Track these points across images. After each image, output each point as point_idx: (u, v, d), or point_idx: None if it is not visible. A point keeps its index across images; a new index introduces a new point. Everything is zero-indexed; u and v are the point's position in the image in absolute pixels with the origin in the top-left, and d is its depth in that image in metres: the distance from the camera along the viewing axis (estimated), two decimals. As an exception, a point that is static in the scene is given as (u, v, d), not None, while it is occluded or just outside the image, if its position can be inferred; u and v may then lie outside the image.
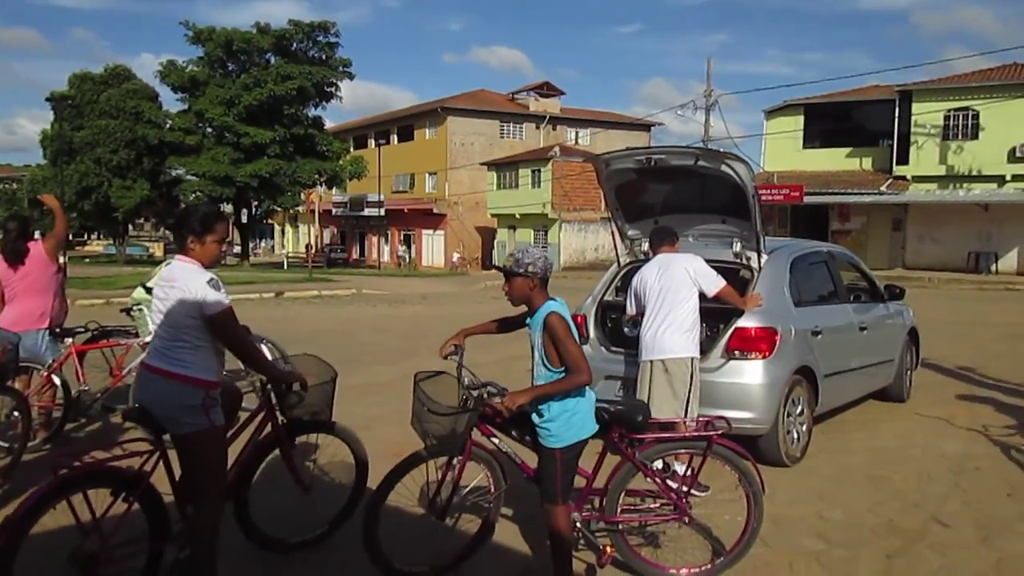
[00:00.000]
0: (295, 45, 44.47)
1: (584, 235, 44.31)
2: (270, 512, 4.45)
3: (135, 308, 7.74)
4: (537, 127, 52.93)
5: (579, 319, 6.84)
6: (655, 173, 6.48)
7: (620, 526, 4.09)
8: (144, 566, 3.66)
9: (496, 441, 4.09)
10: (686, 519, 4.18)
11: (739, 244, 6.56)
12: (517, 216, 45.10)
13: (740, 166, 6.05)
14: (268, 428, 4.34)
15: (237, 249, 49.84)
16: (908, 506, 5.35)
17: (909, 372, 8.59)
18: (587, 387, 3.81)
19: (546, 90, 54.66)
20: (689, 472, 4.23)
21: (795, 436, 6.37)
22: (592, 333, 6.79)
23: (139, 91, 45.87)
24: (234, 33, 43.45)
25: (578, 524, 3.97)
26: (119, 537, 3.50)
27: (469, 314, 18.65)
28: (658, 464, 4.53)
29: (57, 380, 6.59)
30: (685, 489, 4.20)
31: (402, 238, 54.97)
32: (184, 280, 3.57)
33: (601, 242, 44.18)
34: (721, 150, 6.66)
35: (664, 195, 6.87)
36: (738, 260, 6.59)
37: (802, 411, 6.43)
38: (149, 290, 7.85)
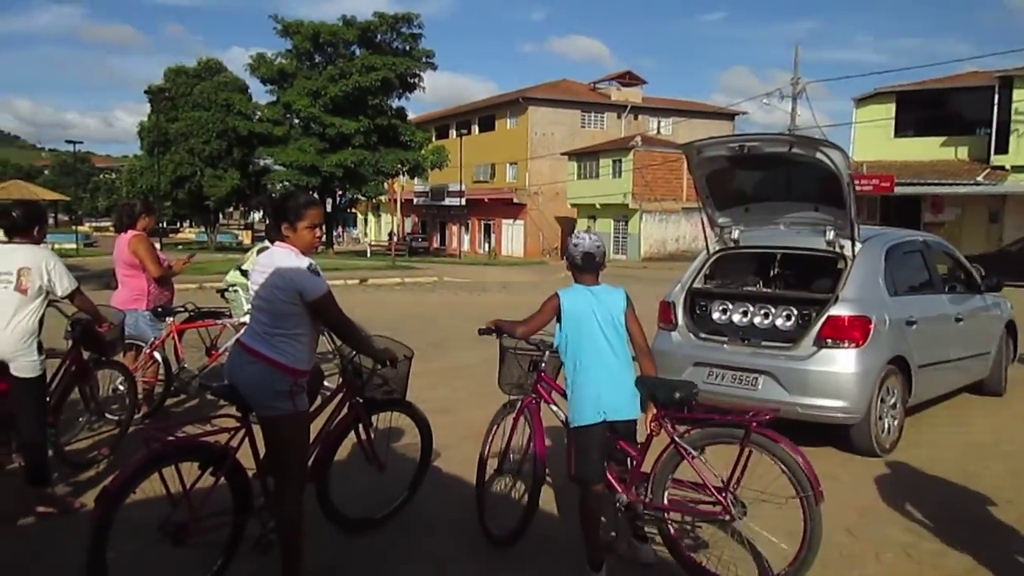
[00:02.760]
0: (379, 37, 45.12)
1: (665, 225, 43.84)
2: (346, 492, 4.56)
3: (230, 289, 8.04)
4: (618, 117, 52.53)
5: (662, 304, 7.01)
6: (747, 161, 6.44)
7: (667, 516, 3.95)
8: (228, 538, 3.80)
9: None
10: (728, 519, 3.80)
11: (832, 232, 6.47)
12: (597, 206, 44.89)
13: (835, 153, 5.98)
14: (346, 408, 4.46)
15: (323, 237, 50.90)
16: (1002, 502, 5.18)
17: (1006, 366, 8.31)
18: (587, 375, 3.92)
19: (628, 79, 54.20)
20: (735, 465, 3.80)
21: (887, 427, 6.28)
22: (680, 320, 6.81)
23: (230, 83, 47.37)
24: (321, 26, 44.37)
25: (619, 505, 4.00)
26: (206, 509, 3.63)
27: (549, 303, 18.71)
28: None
29: (159, 357, 6.92)
30: (725, 484, 3.79)
31: (482, 228, 55.36)
32: (283, 267, 3.62)
33: (682, 232, 43.65)
34: (816, 138, 6.56)
35: (755, 183, 6.83)
36: (831, 248, 6.52)
37: (895, 402, 6.34)
38: (244, 272, 8.17)
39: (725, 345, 6.50)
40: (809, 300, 6.44)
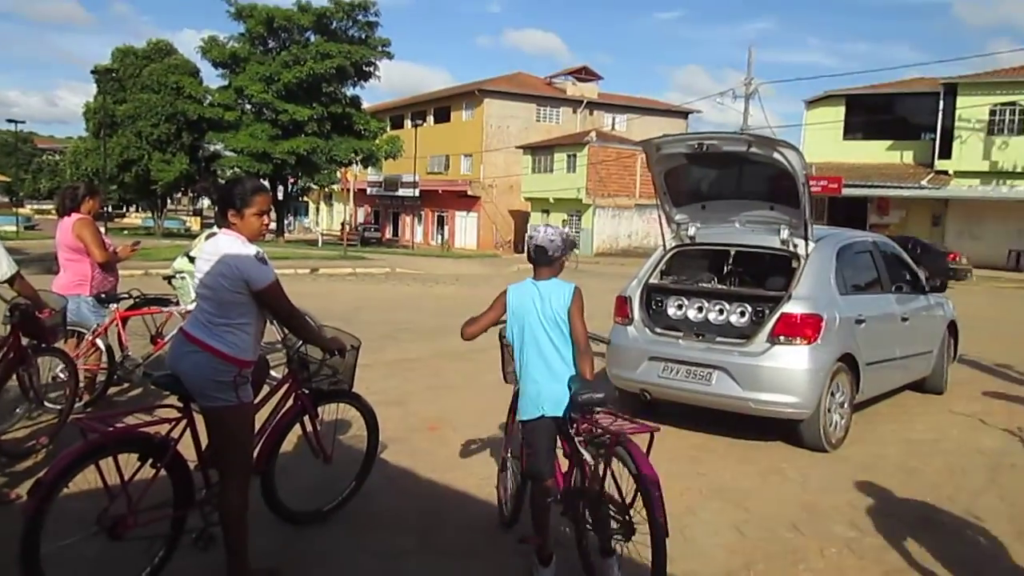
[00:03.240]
0: (335, 24, 44.58)
1: (618, 221, 44.16)
2: (291, 484, 4.50)
3: (177, 276, 7.88)
4: (574, 112, 52.73)
5: (619, 299, 7.06)
6: (705, 159, 6.55)
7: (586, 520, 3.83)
8: (168, 532, 3.70)
9: None
10: (622, 539, 3.69)
11: (786, 231, 6.59)
12: (551, 200, 45.03)
13: (792, 154, 6.10)
14: (292, 399, 4.39)
15: (272, 225, 50.28)
16: (942, 498, 5.32)
17: (947, 365, 8.54)
18: (527, 371, 3.88)
19: (584, 74, 54.39)
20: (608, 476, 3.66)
21: (835, 423, 6.43)
22: (637, 315, 6.88)
23: (180, 66, 46.27)
24: (275, 10, 43.67)
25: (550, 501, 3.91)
26: (146, 502, 3.52)
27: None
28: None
29: (102, 344, 6.74)
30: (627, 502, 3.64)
31: (436, 219, 55.16)
32: (229, 254, 3.53)
33: (635, 228, 44.01)
34: (773, 138, 6.71)
35: (712, 181, 6.96)
36: (784, 247, 6.63)
37: (843, 399, 6.49)
38: (192, 259, 8.01)
39: (680, 340, 6.58)
40: (763, 297, 6.58)
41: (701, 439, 6.57)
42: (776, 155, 6.09)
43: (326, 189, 53.88)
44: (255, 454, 4.00)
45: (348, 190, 56.99)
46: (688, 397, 6.50)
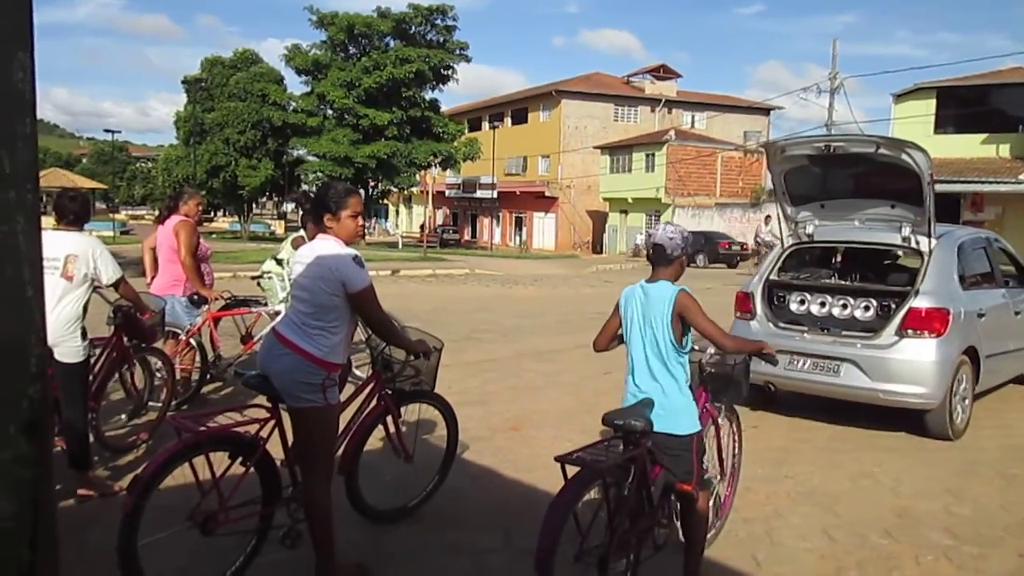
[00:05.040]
0: (413, 29, 45.16)
1: (698, 221, 43.45)
2: (373, 483, 4.54)
3: (265, 277, 8.11)
4: (652, 110, 52.19)
5: (740, 295, 7.40)
6: (827, 159, 6.82)
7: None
8: (256, 527, 3.79)
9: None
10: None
11: (908, 228, 6.86)
12: (629, 200, 44.66)
13: (919, 154, 6.37)
14: (375, 400, 4.44)
15: (365, 226, 51.11)
16: (1046, 506, 5.09)
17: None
18: (627, 375, 3.78)
19: (662, 73, 53.79)
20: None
21: (959, 413, 6.63)
22: (759, 309, 7.18)
23: (265, 74, 47.67)
24: (356, 17, 44.49)
25: None
26: (235, 499, 3.62)
27: (580, 297, 18.68)
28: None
29: (195, 344, 6.98)
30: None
31: (513, 220, 55.33)
32: (327, 257, 3.59)
33: (715, 228, 43.29)
34: (901, 139, 6.92)
35: (832, 180, 7.22)
36: (906, 244, 6.93)
37: (966, 389, 6.71)
38: (279, 262, 8.24)
39: (805, 334, 6.87)
40: (887, 292, 6.94)
41: (785, 441, 6.45)
42: (904, 156, 6.35)
43: (405, 192, 54.60)
44: (340, 454, 4.08)
45: (427, 192, 57.66)
46: (815, 388, 6.77)
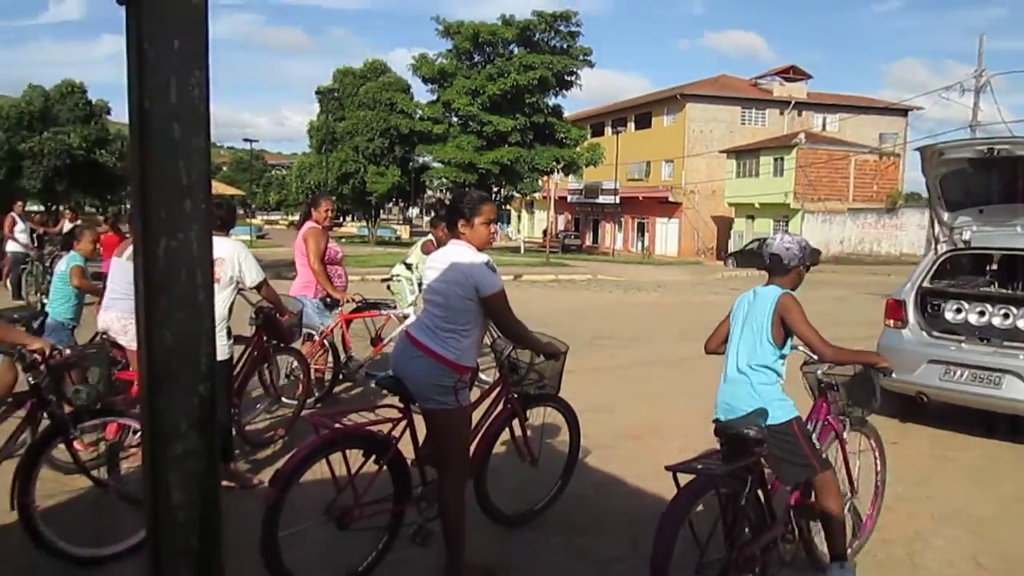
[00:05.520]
0: (537, 35, 45.38)
1: (829, 227, 41.95)
2: (499, 486, 4.58)
3: (395, 279, 8.37)
4: (781, 113, 50.67)
5: (891, 302, 7.17)
6: (988, 163, 6.56)
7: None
8: (388, 524, 3.90)
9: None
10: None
11: None
12: (756, 205, 43.52)
13: None
14: (502, 404, 4.48)
15: (497, 233, 51.93)
16: None
17: None
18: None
19: (792, 74, 52.16)
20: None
21: None
22: (912, 318, 6.96)
23: (393, 83, 49.03)
24: (481, 26, 45.13)
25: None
26: (369, 495, 3.74)
27: (706, 304, 18.30)
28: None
29: (328, 345, 7.25)
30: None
31: (636, 226, 54.86)
32: (461, 262, 3.68)
33: (847, 234, 41.68)
34: None
35: (993, 185, 6.95)
36: None
37: None
38: (408, 266, 8.47)
39: (962, 344, 6.60)
40: None
41: (928, 459, 6.14)
42: None
43: (528, 197, 55.01)
44: (471, 456, 4.14)
45: (549, 198, 57.92)
46: (973, 400, 6.48)
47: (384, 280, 8.73)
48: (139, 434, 4.49)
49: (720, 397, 3.74)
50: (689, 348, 11.36)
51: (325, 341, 7.22)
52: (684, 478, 3.25)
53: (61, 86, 51.27)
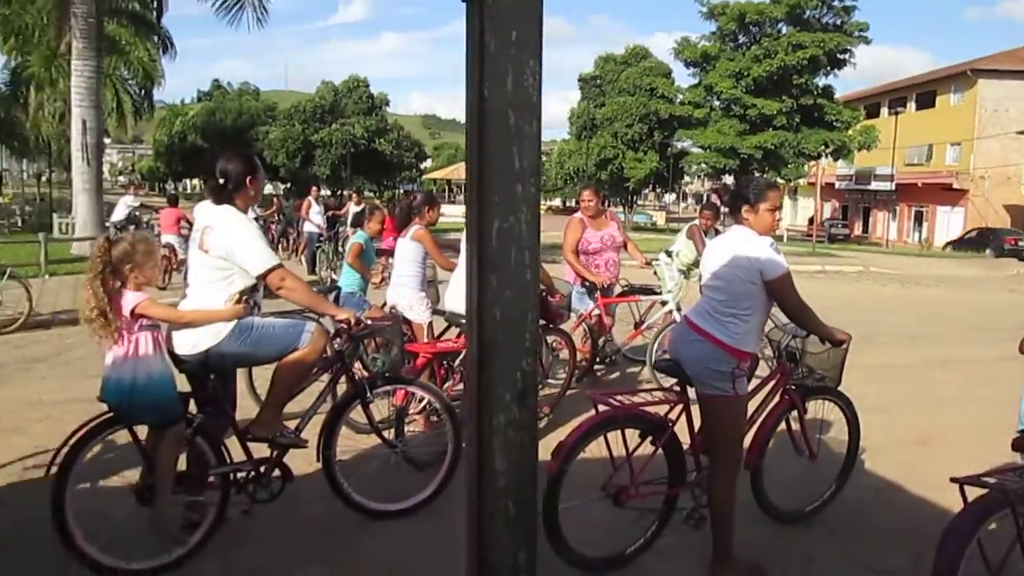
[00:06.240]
0: (808, 13, 43.11)
1: None
2: (772, 480, 4.42)
3: (654, 264, 8.38)
4: (1097, 88, 44.46)
5: None
6: None
7: None
8: (661, 506, 3.93)
9: None
10: None
11: None
12: (1060, 193, 38.61)
13: None
14: (779, 395, 4.32)
15: (781, 220, 50.38)
16: None
17: None
18: None
19: (1113, 42, 45.53)
20: None
21: None
22: None
23: (654, 68, 48.83)
24: (747, 6, 43.62)
25: None
26: (644, 476, 3.77)
27: (998, 302, 16.57)
28: None
29: (587, 328, 7.38)
30: None
31: (912, 215, 50.63)
32: (744, 246, 3.65)
33: None
34: None
35: None
36: None
37: None
38: (669, 254, 8.44)
39: None
40: None
41: None
42: None
43: (792, 184, 52.57)
44: (746, 448, 4.06)
45: (815, 184, 54.99)
46: None
47: (647, 261, 8.69)
48: (424, 402, 4.85)
49: None
50: (979, 350, 10.40)
51: (584, 324, 7.36)
52: (973, 492, 2.97)
53: (348, 81, 56.27)
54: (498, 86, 1.34)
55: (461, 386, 5.66)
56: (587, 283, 7.33)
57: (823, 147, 43.55)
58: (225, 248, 3.80)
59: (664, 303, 7.98)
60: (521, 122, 1.36)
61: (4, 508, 4.46)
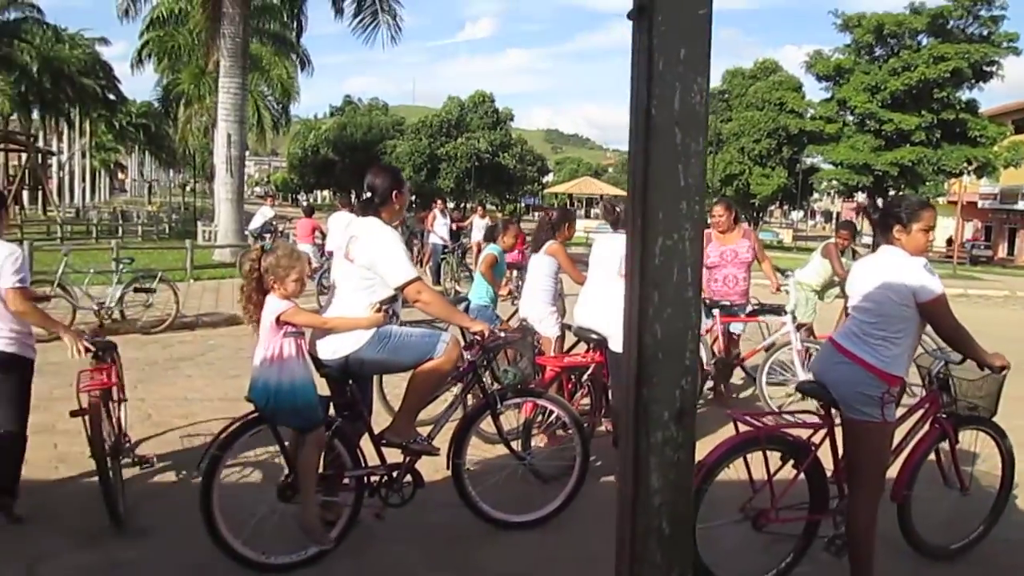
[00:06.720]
0: (951, 23, 41.05)
1: None
2: (919, 512, 4.19)
3: (782, 288, 8.15)
4: None
5: None
6: None
7: None
8: (801, 532, 3.80)
9: None
10: None
11: None
12: None
13: None
14: (929, 423, 4.11)
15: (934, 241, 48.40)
16: None
17: None
18: None
19: None
20: None
21: None
22: None
23: (784, 82, 47.62)
24: (886, 17, 41.91)
25: None
26: (784, 500, 3.66)
27: None
28: None
29: (703, 348, 7.22)
30: None
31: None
32: (897, 267, 3.52)
33: None
34: None
35: None
36: None
37: None
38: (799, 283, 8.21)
39: None
40: None
41: None
42: None
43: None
44: (894, 479, 3.89)
45: (956, 203, 52.15)
46: None
47: (779, 287, 8.44)
48: (552, 415, 4.87)
49: None
50: None
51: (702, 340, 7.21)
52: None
53: (474, 96, 57.30)
54: (665, 104, 1.34)
55: (587, 400, 5.66)
56: (706, 299, 7.18)
57: (965, 164, 41.27)
58: (369, 258, 3.94)
59: (782, 324, 7.71)
60: (688, 139, 1.35)
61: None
